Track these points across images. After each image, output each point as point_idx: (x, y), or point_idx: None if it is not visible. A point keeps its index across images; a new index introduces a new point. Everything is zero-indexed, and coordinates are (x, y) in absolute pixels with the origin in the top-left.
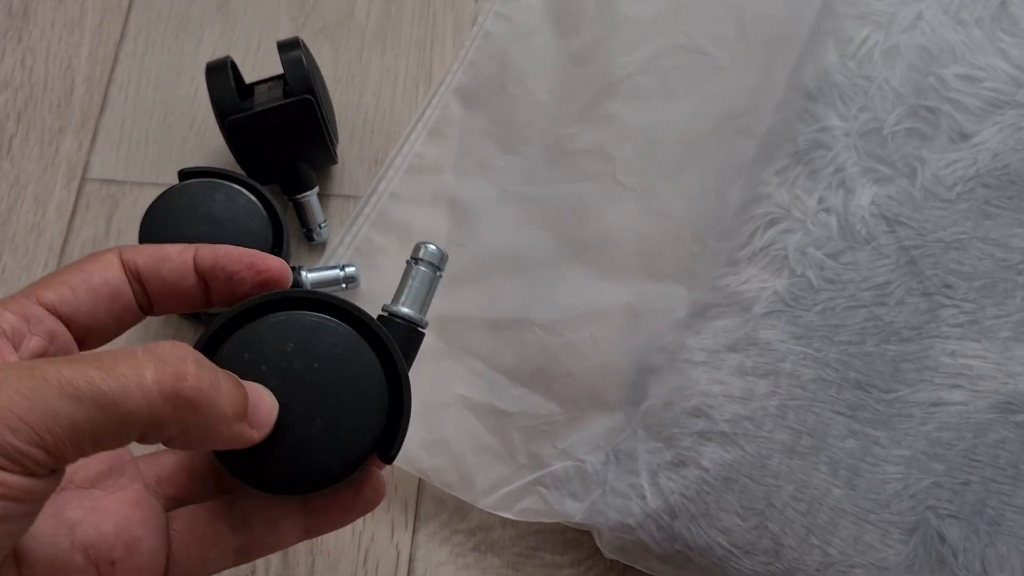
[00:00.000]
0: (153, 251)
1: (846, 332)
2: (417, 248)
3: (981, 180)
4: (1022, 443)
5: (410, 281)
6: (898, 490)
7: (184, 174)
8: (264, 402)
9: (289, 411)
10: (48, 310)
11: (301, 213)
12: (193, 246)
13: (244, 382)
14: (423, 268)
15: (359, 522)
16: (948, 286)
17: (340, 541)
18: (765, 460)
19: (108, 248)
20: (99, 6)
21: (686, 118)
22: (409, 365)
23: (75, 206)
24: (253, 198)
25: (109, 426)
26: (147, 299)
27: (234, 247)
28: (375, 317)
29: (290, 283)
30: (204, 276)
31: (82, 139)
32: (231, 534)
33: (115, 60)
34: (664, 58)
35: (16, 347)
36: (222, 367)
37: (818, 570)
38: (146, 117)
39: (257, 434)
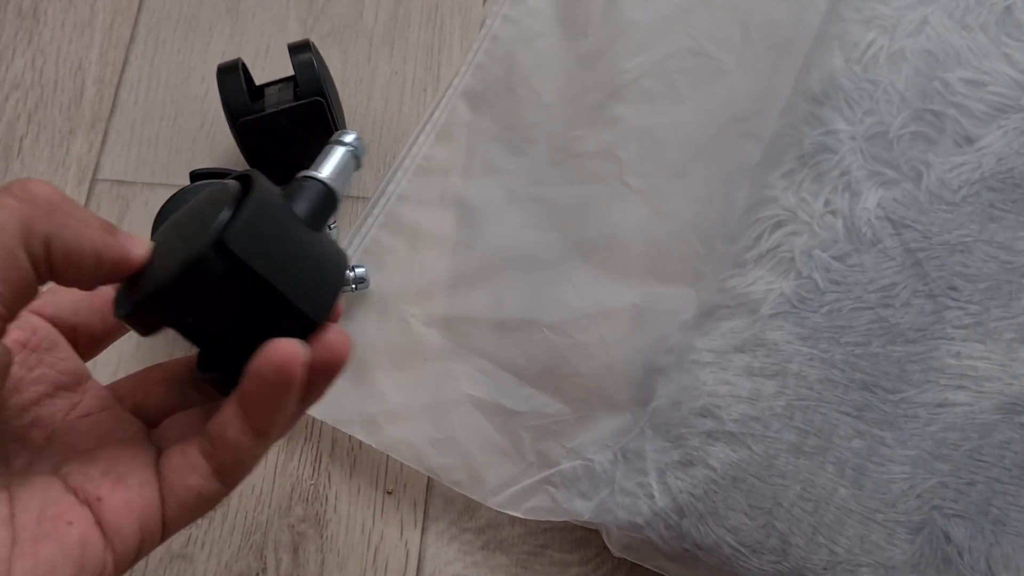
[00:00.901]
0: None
1: (852, 333)
2: (339, 133)
3: (986, 183)
4: None
5: (329, 156)
6: (904, 490)
7: (196, 175)
8: (130, 235)
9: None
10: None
11: None
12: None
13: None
14: (341, 148)
15: (369, 520)
16: (953, 288)
17: (350, 539)
18: (772, 460)
19: (2, 190)
20: (109, 8)
21: (692, 121)
22: (321, 223)
23: (86, 206)
24: None
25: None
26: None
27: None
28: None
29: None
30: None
31: (92, 140)
32: (202, 457)
33: (125, 62)
34: (670, 61)
35: None
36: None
37: (825, 569)
38: (156, 118)
39: (136, 250)
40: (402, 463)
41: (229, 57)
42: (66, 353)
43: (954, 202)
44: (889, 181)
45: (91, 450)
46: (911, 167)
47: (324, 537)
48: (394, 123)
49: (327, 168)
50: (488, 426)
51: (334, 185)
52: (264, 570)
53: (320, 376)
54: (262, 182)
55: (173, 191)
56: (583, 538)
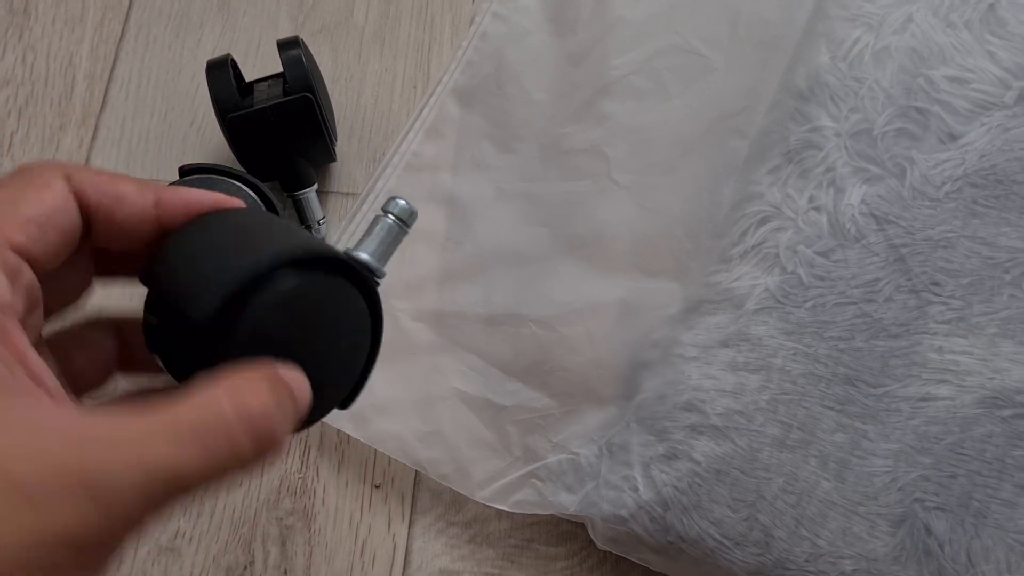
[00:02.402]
0: (106, 186)
1: (836, 328)
2: (388, 202)
3: (969, 180)
4: (1008, 437)
5: (376, 231)
6: (886, 483)
7: (184, 170)
8: (300, 383)
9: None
10: (22, 255)
11: (300, 210)
12: (152, 190)
13: (280, 371)
14: (390, 221)
15: (356, 514)
16: (936, 283)
17: (337, 533)
18: (756, 453)
19: (48, 164)
20: (100, 4)
21: (680, 118)
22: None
23: None
24: (253, 194)
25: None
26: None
27: (196, 191)
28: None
29: None
30: (168, 222)
31: (83, 136)
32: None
33: (116, 58)
34: (658, 59)
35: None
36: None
37: (807, 561)
38: (147, 114)
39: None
40: (390, 457)
41: (220, 54)
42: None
43: (937, 198)
44: (873, 177)
45: None
46: (895, 164)
47: (312, 530)
48: (384, 120)
49: (370, 245)
50: (475, 420)
51: (375, 268)
52: (252, 563)
53: None
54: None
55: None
56: (569, 532)
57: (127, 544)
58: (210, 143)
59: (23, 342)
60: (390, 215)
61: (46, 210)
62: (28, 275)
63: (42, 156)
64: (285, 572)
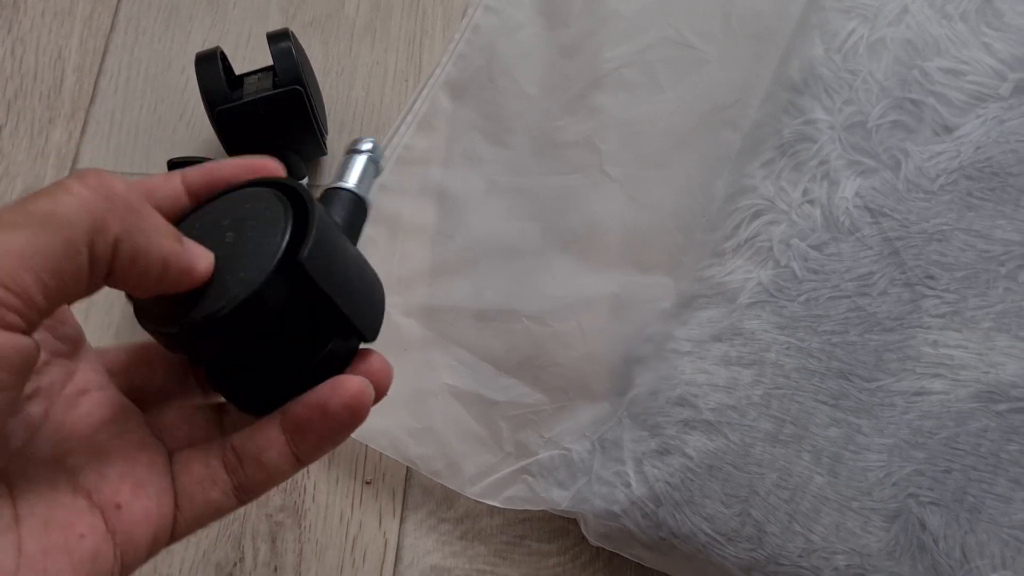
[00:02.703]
0: (137, 185)
1: (829, 322)
2: (356, 141)
3: (964, 172)
4: (1002, 432)
5: (351, 164)
6: (880, 478)
7: (173, 164)
8: (198, 246)
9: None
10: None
11: None
12: (177, 172)
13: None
14: (361, 157)
15: (347, 510)
16: (930, 277)
17: (328, 529)
18: (749, 448)
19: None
20: None
21: (672, 111)
22: (356, 237)
23: None
24: None
25: (55, 242)
26: None
27: (218, 161)
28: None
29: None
30: (198, 195)
31: (72, 129)
32: (225, 472)
33: (105, 51)
34: (651, 51)
35: None
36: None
37: (800, 556)
38: (136, 108)
39: (200, 264)
40: (381, 453)
41: (210, 46)
42: (66, 315)
43: (932, 191)
44: (868, 170)
45: (100, 445)
46: (890, 156)
47: (302, 527)
48: (375, 113)
49: (353, 177)
50: (467, 416)
51: (363, 194)
52: (242, 560)
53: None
54: (312, 197)
55: None
56: (561, 528)
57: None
58: (200, 136)
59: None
60: (361, 152)
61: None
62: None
63: (31, 150)
64: (275, 569)
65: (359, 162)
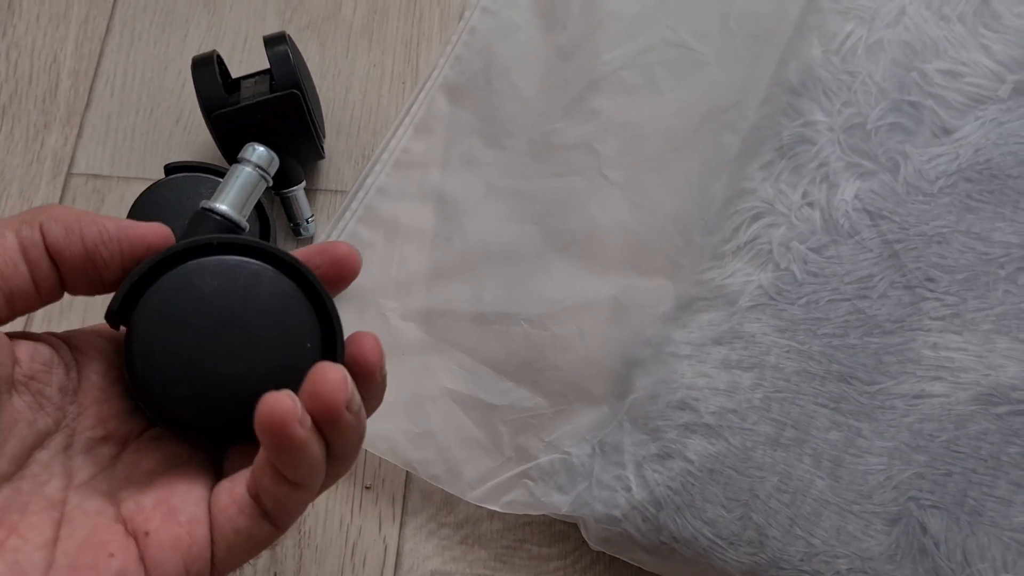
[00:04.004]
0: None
1: (829, 325)
2: (244, 149)
3: (963, 174)
4: (1003, 434)
5: (232, 180)
6: (881, 481)
7: (170, 168)
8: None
9: (218, 354)
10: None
11: (288, 208)
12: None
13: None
14: (247, 169)
15: (347, 515)
16: (930, 279)
17: (327, 535)
18: (749, 452)
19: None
20: (84, 0)
21: (671, 113)
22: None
23: (61, 201)
24: None
25: None
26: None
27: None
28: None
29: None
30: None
31: (68, 134)
32: (250, 498)
33: (101, 54)
34: (649, 53)
35: None
36: (144, 318)
37: (802, 560)
38: (132, 112)
39: (143, 226)
40: (380, 458)
41: (206, 50)
42: None
43: (931, 193)
44: (867, 172)
45: (151, 473)
46: (889, 158)
47: (302, 532)
48: (372, 116)
49: (227, 197)
50: (466, 420)
51: (236, 216)
52: (242, 567)
53: (324, 420)
54: (328, 295)
55: (148, 185)
56: (561, 532)
57: None
58: (196, 141)
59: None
60: (248, 163)
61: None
62: None
63: (26, 155)
64: (275, 575)
65: (240, 176)
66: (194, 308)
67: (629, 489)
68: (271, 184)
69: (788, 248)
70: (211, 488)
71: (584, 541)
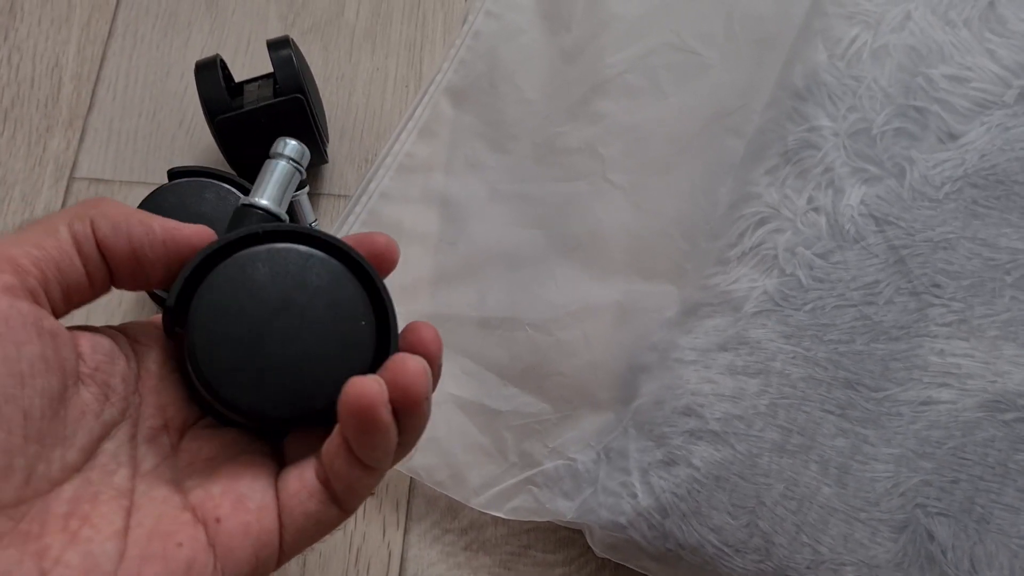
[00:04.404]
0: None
1: (836, 331)
2: (276, 143)
3: (969, 180)
4: (1010, 441)
5: (268, 175)
6: (887, 488)
7: (173, 173)
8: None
9: (277, 339)
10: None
11: (291, 212)
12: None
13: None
14: (281, 162)
15: (350, 521)
16: (937, 285)
17: (331, 540)
18: (755, 459)
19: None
20: (87, 3)
21: (675, 116)
22: None
23: (63, 205)
24: (242, 197)
25: (36, 227)
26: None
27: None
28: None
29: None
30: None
31: (70, 138)
32: (319, 482)
33: (103, 58)
34: (653, 56)
35: None
36: (202, 312)
37: (808, 568)
38: (135, 115)
39: (187, 228)
40: None
41: (209, 53)
42: None
43: (937, 199)
44: (872, 178)
45: (213, 461)
46: (894, 164)
47: None
48: (376, 120)
49: (267, 191)
50: (471, 426)
51: (276, 209)
52: None
53: (404, 408)
54: (383, 284)
55: (152, 189)
56: (566, 538)
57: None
58: (199, 145)
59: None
60: (282, 157)
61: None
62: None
63: (29, 158)
64: None
65: (276, 171)
66: (249, 296)
67: (635, 496)
68: (304, 176)
69: (794, 254)
70: (275, 475)
71: (589, 548)
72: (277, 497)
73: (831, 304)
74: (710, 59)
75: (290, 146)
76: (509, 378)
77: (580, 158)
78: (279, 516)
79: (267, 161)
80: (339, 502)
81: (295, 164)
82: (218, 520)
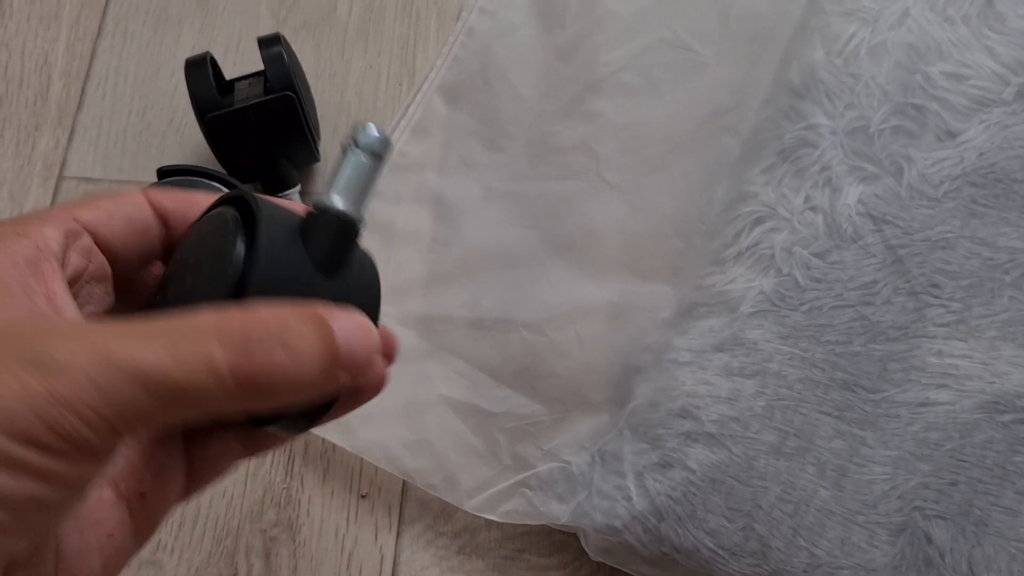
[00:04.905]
0: (181, 196)
1: (833, 332)
2: (354, 129)
3: (967, 179)
4: (1008, 443)
5: (343, 170)
6: (885, 491)
7: (163, 172)
8: (358, 334)
9: (176, 285)
10: (86, 229)
11: None
12: (142, 194)
13: (333, 308)
14: (362, 158)
15: (343, 525)
16: (935, 285)
17: (323, 544)
18: (752, 461)
19: (130, 188)
20: (76, 0)
21: (671, 115)
22: (338, 266)
23: (52, 205)
24: None
25: (177, 412)
26: (170, 244)
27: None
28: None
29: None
30: (173, 221)
31: (59, 136)
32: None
33: (92, 55)
34: (648, 54)
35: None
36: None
37: (805, 572)
38: (124, 114)
39: (361, 368)
40: (376, 466)
41: (199, 51)
42: (108, 288)
43: (936, 198)
44: (870, 176)
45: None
46: (892, 162)
47: (296, 542)
48: (368, 118)
49: (338, 187)
50: (463, 428)
51: (349, 208)
52: (235, 574)
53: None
54: (267, 213)
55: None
56: (561, 542)
57: (89, 445)
58: (189, 143)
59: (57, 283)
60: (360, 149)
61: (117, 202)
62: (88, 242)
63: (17, 157)
64: None
65: (348, 165)
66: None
67: (629, 499)
68: (385, 162)
69: (790, 253)
70: (180, 438)
71: (584, 551)
72: (187, 454)
73: (828, 304)
74: (706, 57)
75: (366, 135)
76: (502, 379)
77: (575, 157)
78: (191, 474)
79: (346, 152)
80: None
81: (372, 155)
82: (143, 496)
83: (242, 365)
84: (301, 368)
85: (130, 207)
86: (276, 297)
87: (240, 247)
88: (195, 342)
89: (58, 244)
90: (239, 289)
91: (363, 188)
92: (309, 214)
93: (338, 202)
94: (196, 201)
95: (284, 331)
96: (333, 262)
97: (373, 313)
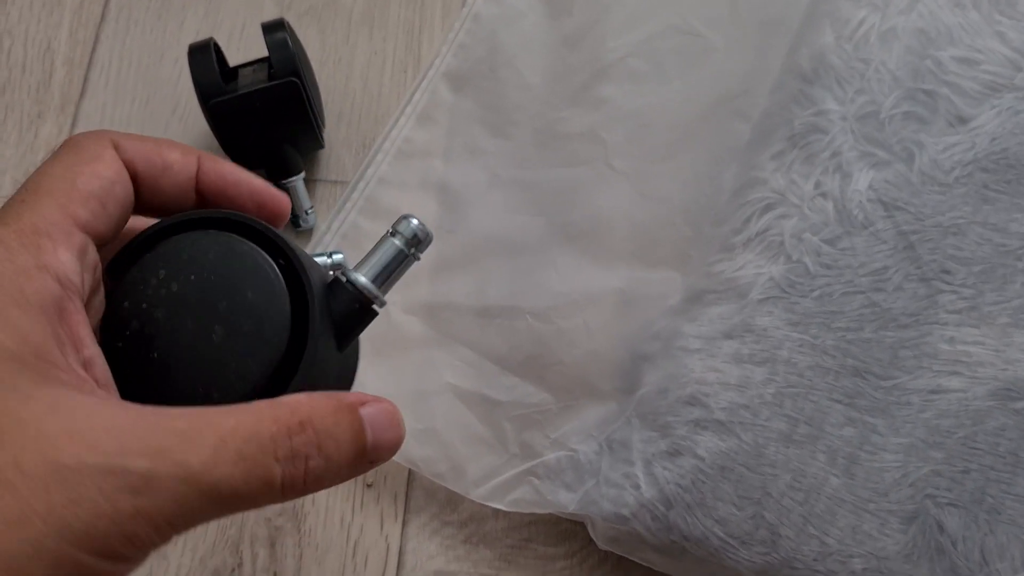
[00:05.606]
0: (153, 155)
1: (843, 318)
2: (398, 220)
3: (979, 164)
4: (1021, 430)
5: (377, 251)
6: (896, 479)
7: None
8: (387, 426)
9: (187, 329)
10: (87, 233)
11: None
12: (195, 156)
13: (361, 403)
14: (395, 242)
15: (348, 514)
16: (946, 271)
17: (328, 533)
18: (762, 449)
19: (95, 134)
20: None
21: (679, 101)
22: (348, 340)
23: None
24: None
25: (229, 513)
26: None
27: (239, 170)
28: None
29: (286, 221)
30: (204, 196)
31: (62, 124)
32: None
33: (96, 42)
34: (657, 40)
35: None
36: (127, 288)
37: (816, 560)
38: (128, 101)
39: (387, 457)
40: None
41: (203, 37)
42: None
43: (947, 183)
44: (881, 162)
45: None
46: (903, 148)
47: (302, 531)
48: (374, 105)
49: (369, 267)
50: (470, 416)
51: (373, 292)
52: (240, 565)
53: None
54: (316, 290)
55: None
56: (568, 531)
57: (153, 548)
58: (193, 130)
59: (83, 327)
60: (397, 235)
61: (105, 184)
62: (93, 254)
63: (20, 145)
64: (274, 574)
65: (384, 249)
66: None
67: (638, 487)
68: (419, 259)
69: (800, 240)
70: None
71: (591, 540)
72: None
73: (839, 291)
74: (715, 42)
75: (409, 225)
76: (509, 368)
77: (582, 144)
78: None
79: (383, 237)
80: None
81: (410, 248)
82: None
83: (294, 478)
84: (336, 473)
85: (118, 187)
86: (312, 372)
87: (287, 319)
88: (260, 464)
89: (77, 275)
90: (286, 366)
91: (392, 274)
92: (336, 282)
93: (366, 281)
94: (169, 164)
95: (323, 439)
96: (346, 336)
97: (352, 376)
